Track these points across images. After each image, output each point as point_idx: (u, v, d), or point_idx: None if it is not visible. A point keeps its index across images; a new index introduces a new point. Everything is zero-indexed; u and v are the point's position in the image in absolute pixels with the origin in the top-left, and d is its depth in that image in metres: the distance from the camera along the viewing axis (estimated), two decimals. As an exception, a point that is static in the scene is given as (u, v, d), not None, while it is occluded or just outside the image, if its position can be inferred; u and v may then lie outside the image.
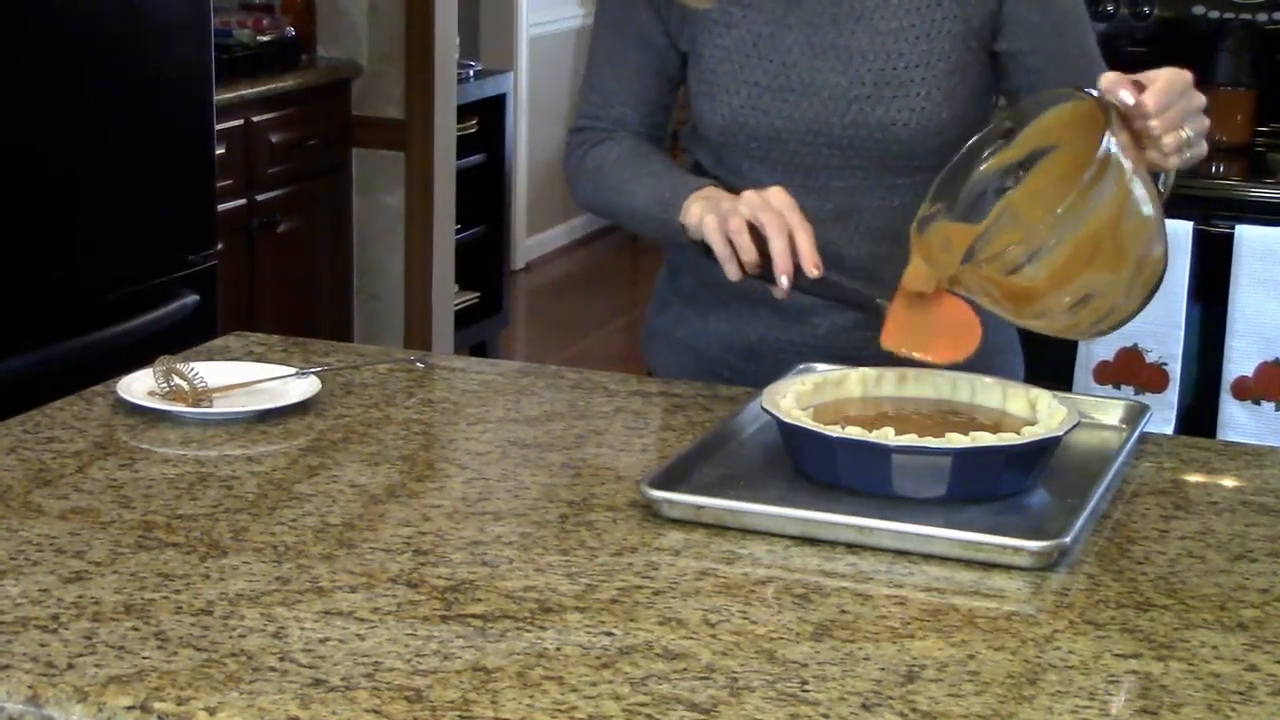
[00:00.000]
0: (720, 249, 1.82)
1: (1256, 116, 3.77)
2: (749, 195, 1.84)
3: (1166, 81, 1.70)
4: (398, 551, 1.51)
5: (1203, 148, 1.75)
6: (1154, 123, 1.69)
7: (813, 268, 1.79)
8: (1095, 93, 1.68)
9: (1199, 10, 3.86)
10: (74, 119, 3.24)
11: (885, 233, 2.00)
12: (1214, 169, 3.60)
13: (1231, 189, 3.47)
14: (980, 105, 2.02)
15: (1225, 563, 1.54)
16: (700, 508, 1.57)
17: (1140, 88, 1.70)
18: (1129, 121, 1.68)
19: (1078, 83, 1.88)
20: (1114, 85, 1.70)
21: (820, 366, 1.88)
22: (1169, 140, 1.70)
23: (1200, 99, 1.75)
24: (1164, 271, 1.71)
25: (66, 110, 3.22)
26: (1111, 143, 1.60)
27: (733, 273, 1.82)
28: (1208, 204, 3.40)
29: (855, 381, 1.79)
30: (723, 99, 2.01)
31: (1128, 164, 1.62)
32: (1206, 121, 1.77)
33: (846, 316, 2.01)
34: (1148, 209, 1.66)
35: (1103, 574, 1.51)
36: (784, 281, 1.79)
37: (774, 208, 1.81)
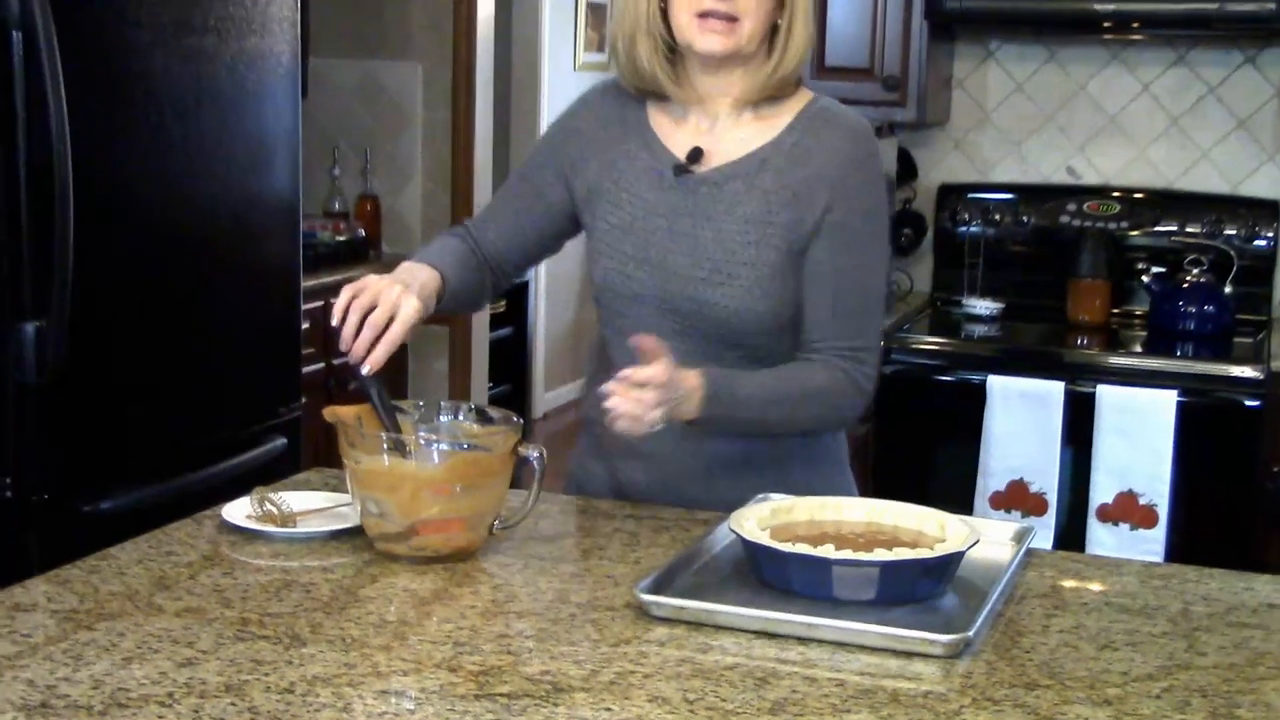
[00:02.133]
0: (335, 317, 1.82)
1: (1111, 302, 3.80)
2: (360, 281, 1.82)
3: (643, 376, 1.73)
4: (441, 643, 1.49)
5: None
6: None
7: (364, 365, 1.79)
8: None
9: (1065, 220, 3.90)
10: (196, 298, 3.26)
11: None
12: (1079, 342, 3.62)
13: (1093, 358, 3.49)
14: (795, 303, 1.95)
15: (1094, 651, 1.53)
16: (682, 608, 1.56)
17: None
18: None
19: (816, 319, 1.93)
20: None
21: (775, 496, 1.88)
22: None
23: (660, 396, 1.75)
24: None
25: (191, 291, 3.25)
26: None
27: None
28: (1075, 370, 3.42)
29: (802, 508, 1.78)
30: (603, 263, 2.01)
31: None
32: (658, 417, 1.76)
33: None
34: None
35: (999, 660, 1.49)
36: (348, 358, 1.80)
37: (373, 288, 1.80)
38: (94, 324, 2.96)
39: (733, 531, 1.69)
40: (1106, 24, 3.68)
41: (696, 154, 1.97)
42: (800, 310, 1.96)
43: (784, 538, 1.66)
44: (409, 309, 1.83)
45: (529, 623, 1.57)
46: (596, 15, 7.34)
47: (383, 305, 1.82)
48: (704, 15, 1.89)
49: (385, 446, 1.74)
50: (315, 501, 1.94)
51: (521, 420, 1.82)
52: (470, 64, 4.75)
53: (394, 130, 4.83)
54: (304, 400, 3.67)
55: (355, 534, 1.81)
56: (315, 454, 3.63)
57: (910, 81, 3.70)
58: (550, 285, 7.13)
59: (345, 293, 1.84)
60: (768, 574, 1.64)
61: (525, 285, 6.80)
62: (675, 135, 2.00)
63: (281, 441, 3.54)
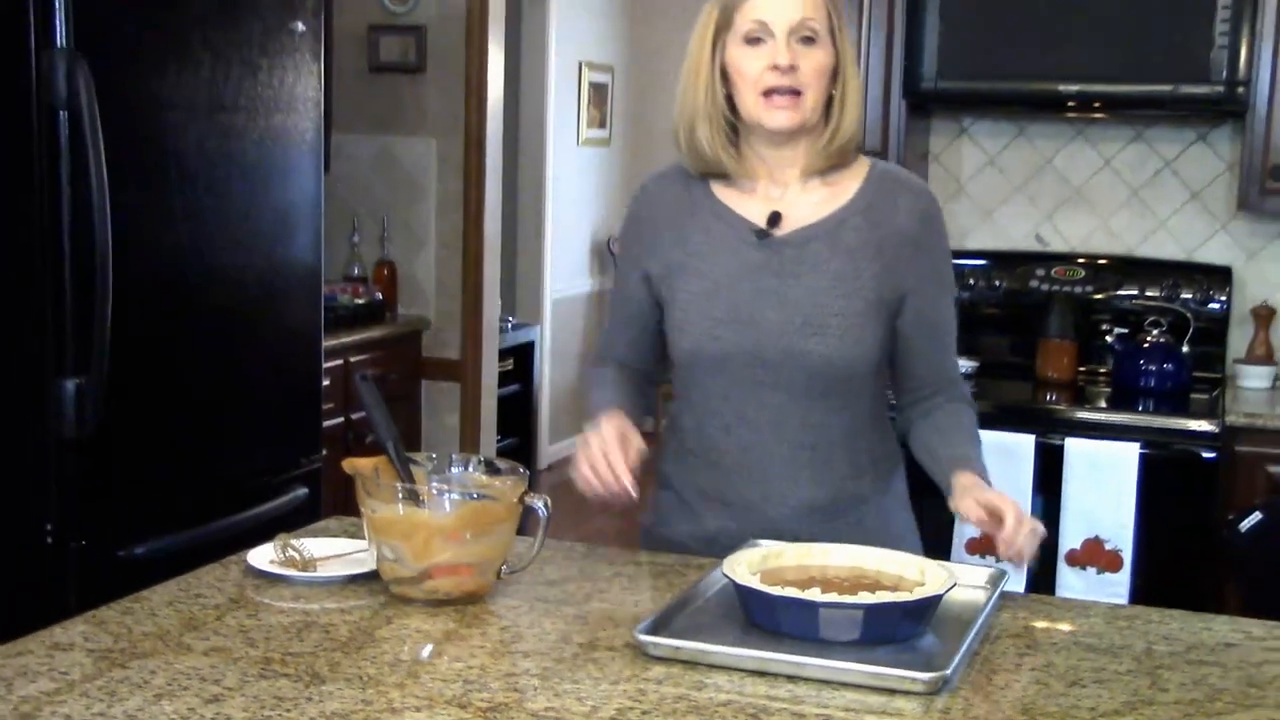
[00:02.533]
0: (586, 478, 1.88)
1: (1078, 360, 3.80)
2: (582, 440, 1.89)
3: (1015, 515, 1.80)
4: (451, 680, 1.49)
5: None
6: (1014, 548, 1.80)
7: (629, 488, 1.85)
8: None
9: (1034, 284, 3.92)
10: (225, 357, 3.27)
11: (805, 442, 1.99)
12: (1048, 397, 3.62)
13: (1061, 412, 3.49)
14: (882, 350, 2.00)
15: (1064, 688, 1.52)
16: (678, 648, 1.56)
17: (997, 518, 1.80)
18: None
19: (933, 367, 2.03)
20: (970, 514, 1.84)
21: (763, 542, 1.88)
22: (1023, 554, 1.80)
23: (1033, 523, 1.82)
24: None
25: (220, 350, 3.25)
26: None
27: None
28: (1045, 423, 3.42)
29: (790, 554, 1.78)
30: (690, 330, 1.99)
31: None
32: (1042, 530, 1.83)
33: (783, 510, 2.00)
34: None
35: (975, 696, 1.49)
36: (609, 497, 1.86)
37: (591, 446, 1.87)
38: (130, 381, 2.97)
39: (725, 576, 1.69)
40: (1071, 104, 3.71)
41: (776, 218, 1.99)
42: (901, 360, 2.03)
43: (773, 582, 1.65)
44: (638, 442, 1.90)
45: (534, 662, 1.57)
46: (598, 94, 7.38)
47: (615, 450, 1.87)
48: (769, 93, 1.92)
49: (400, 496, 1.74)
50: (334, 547, 1.94)
51: (527, 471, 1.82)
52: (480, 139, 4.78)
53: (409, 201, 4.85)
54: (324, 452, 3.67)
55: (372, 578, 1.80)
56: (335, 503, 3.62)
57: (890, 155, 3.73)
58: (554, 347, 7.14)
59: (583, 460, 1.88)
60: (758, 616, 1.64)
61: (530, 344, 6.80)
62: (746, 205, 2.01)
63: (303, 491, 3.53)
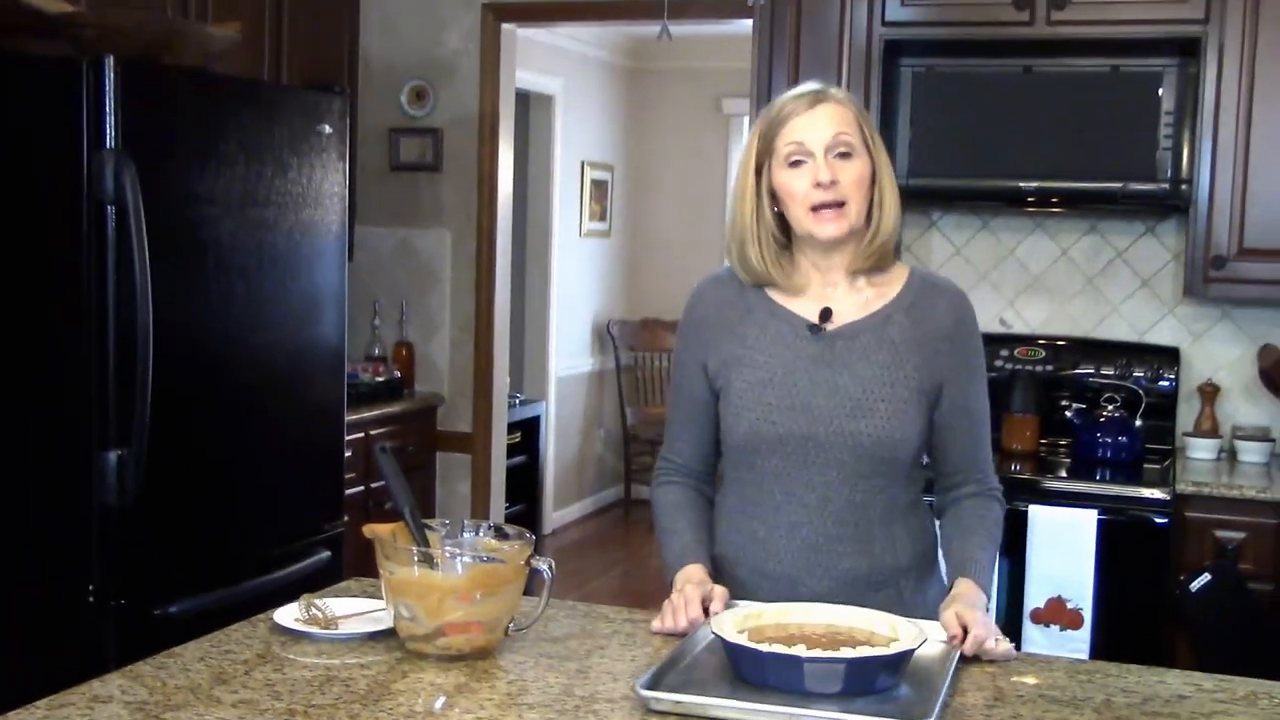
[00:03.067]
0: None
1: (1040, 433, 3.80)
2: (668, 602, 1.91)
3: (974, 640, 1.80)
4: (463, 730, 1.48)
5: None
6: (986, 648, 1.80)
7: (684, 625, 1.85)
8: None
9: (999, 363, 3.92)
10: (254, 431, 3.27)
11: (849, 519, 1.98)
12: (1013, 468, 3.62)
13: (1025, 482, 3.49)
14: (921, 436, 2.00)
15: (1029, 738, 1.52)
16: (676, 701, 1.55)
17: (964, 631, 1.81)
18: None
19: (965, 453, 2.06)
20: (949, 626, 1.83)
21: (740, 603, 1.87)
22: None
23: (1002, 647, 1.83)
24: None
25: (250, 424, 3.26)
26: None
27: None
28: (1010, 492, 3.38)
29: (769, 614, 1.77)
30: (746, 416, 1.99)
31: None
32: (1012, 651, 1.83)
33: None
34: None
35: (945, 746, 1.48)
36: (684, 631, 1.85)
37: (673, 606, 1.88)
38: (168, 453, 2.97)
39: (714, 634, 1.68)
40: (1030, 199, 3.75)
41: (827, 313, 2.00)
42: (938, 448, 2.04)
43: (757, 639, 1.65)
44: (720, 592, 1.91)
45: (539, 713, 1.56)
46: (599, 190, 7.45)
47: (695, 613, 1.87)
48: (816, 208, 1.95)
49: (416, 559, 1.74)
50: (355, 606, 1.93)
51: (533, 536, 1.82)
52: (491, 231, 4.81)
53: (426, 287, 4.88)
54: (346, 518, 3.66)
55: (389, 635, 1.80)
56: (356, 565, 3.60)
57: (865, 247, 3.74)
58: (558, 421, 7.14)
59: (667, 616, 1.89)
60: (746, 671, 1.63)
61: (536, 418, 6.80)
62: (798, 304, 2.02)
63: (326, 554, 3.52)
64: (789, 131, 1.96)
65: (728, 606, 1.86)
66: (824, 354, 1.98)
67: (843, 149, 1.95)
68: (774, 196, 1.99)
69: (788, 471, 1.97)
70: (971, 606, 1.87)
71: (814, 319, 2.00)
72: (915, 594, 2.01)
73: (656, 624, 1.89)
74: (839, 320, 2.00)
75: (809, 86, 2.00)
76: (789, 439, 1.96)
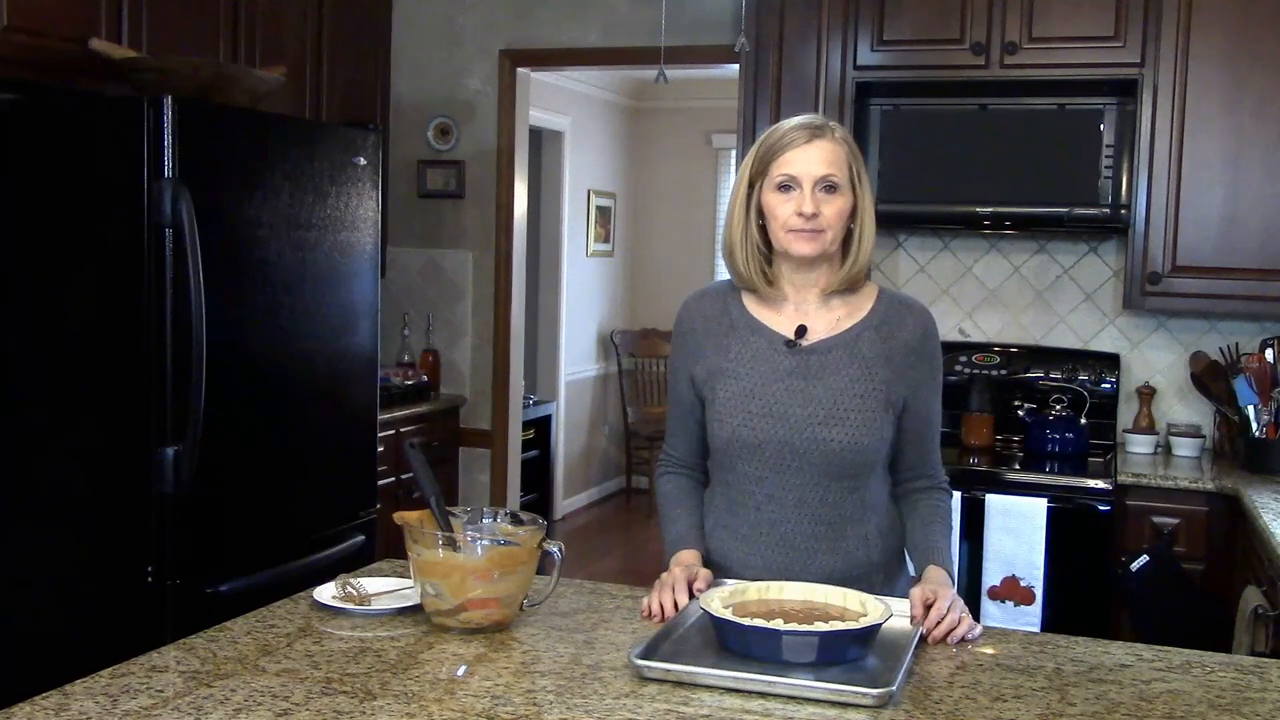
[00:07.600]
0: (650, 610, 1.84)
1: (995, 430, 3.80)
2: (658, 581, 1.87)
3: (937, 611, 1.76)
4: (481, 697, 1.47)
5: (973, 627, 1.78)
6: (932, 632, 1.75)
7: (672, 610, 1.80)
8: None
9: (958, 368, 3.92)
10: (297, 428, 3.26)
11: (823, 518, 1.95)
12: (971, 460, 3.61)
13: (983, 473, 3.48)
14: (891, 439, 1.97)
15: (989, 702, 1.50)
16: (668, 670, 1.54)
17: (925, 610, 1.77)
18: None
19: (920, 453, 2.01)
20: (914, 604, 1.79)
21: (728, 582, 1.86)
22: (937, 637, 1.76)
23: (966, 624, 1.77)
24: None
25: (293, 423, 3.25)
26: None
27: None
28: (969, 482, 3.41)
29: (752, 591, 1.76)
30: (729, 422, 1.96)
31: None
32: (976, 630, 1.78)
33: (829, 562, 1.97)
34: None
35: (915, 710, 1.47)
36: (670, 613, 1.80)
37: (663, 584, 1.85)
38: (219, 448, 2.96)
39: (702, 609, 1.67)
40: (986, 222, 3.74)
41: (802, 330, 1.97)
42: (896, 448, 2.00)
43: (741, 614, 1.64)
44: (707, 574, 1.88)
45: (550, 680, 1.55)
46: (603, 215, 7.44)
47: (682, 595, 1.84)
48: (794, 231, 1.92)
49: (440, 542, 1.72)
50: (386, 585, 1.92)
51: (545, 522, 1.81)
52: (508, 252, 4.80)
53: (450, 301, 4.87)
54: (378, 506, 3.65)
55: (416, 611, 1.79)
56: (387, 548, 3.59)
57: (839, 265, 3.73)
58: (568, 419, 7.13)
59: (654, 597, 1.85)
60: (730, 642, 1.62)
61: (548, 417, 6.79)
62: (775, 320, 1.99)
63: (361, 538, 3.51)
64: (784, 161, 1.92)
65: (714, 585, 1.84)
66: (799, 367, 1.95)
67: (830, 184, 1.91)
68: (761, 212, 1.97)
69: (767, 474, 1.94)
70: (942, 586, 1.85)
71: (791, 335, 1.98)
72: (884, 587, 1.99)
73: (644, 609, 1.85)
74: (813, 336, 1.98)
75: (812, 120, 1.94)
76: (767, 444, 1.94)
